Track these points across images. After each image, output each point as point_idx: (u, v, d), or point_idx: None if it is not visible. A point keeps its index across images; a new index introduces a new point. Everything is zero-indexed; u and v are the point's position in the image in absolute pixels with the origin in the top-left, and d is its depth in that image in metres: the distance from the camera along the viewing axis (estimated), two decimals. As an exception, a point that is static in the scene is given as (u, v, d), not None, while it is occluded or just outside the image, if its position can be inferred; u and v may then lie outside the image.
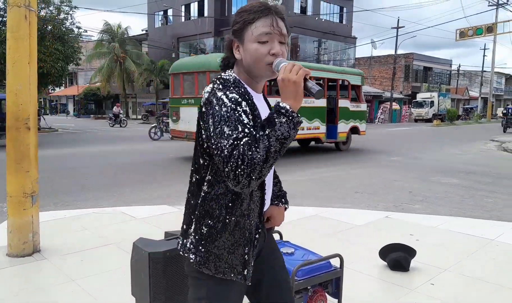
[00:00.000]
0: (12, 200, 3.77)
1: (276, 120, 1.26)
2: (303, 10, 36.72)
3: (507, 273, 3.64)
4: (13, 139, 3.74)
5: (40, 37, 17.26)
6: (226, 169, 1.23)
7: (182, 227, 1.52)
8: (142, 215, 5.32)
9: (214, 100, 1.33)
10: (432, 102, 42.12)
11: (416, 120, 41.48)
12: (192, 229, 1.46)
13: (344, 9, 40.05)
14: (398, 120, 40.80)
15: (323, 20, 37.70)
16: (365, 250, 4.13)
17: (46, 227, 4.45)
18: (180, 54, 39.88)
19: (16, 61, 3.69)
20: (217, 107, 1.31)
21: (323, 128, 13.17)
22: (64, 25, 23.35)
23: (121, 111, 30.62)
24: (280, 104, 1.28)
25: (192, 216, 1.46)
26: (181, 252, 1.47)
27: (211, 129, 1.31)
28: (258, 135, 1.25)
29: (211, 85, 1.41)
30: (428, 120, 40.65)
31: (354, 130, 14.57)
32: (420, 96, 44.01)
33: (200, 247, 1.42)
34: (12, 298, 3.04)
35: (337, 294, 2.74)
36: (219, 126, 1.28)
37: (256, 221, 1.51)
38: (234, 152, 1.22)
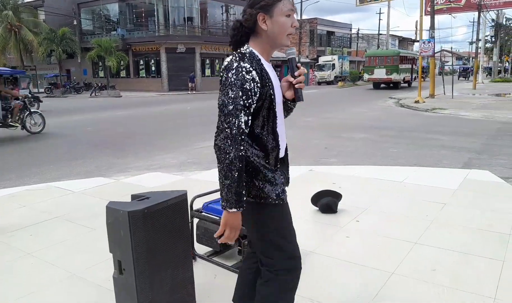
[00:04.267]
0: None
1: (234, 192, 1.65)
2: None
3: (415, 206, 4.39)
4: None
5: None
6: (224, 123, 1.64)
7: None
8: (79, 189, 5.31)
9: (229, 66, 1.69)
10: (333, 65, 44.03)
11: (319, 83, 42.84)
12: None
13: (250, -27, 40.02)
14: (306, 83, 42.38)
15: (230, -15, 37.52)
16: (298, 199, 4.62)
17: (-19, 208, 4.33)
18: (82, 20, 37.35)
19: None
20: (229, 74, 1.66)
21: (408, 77, 33.61)
22: None
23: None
24: (232, 207, 1.67)
25: None
26: None
27: (220, 89, 1.68)
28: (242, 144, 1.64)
29: (230, 57, 1.73)
30: (330, 82, 42.67)
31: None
32: (321, 60, 45.75)
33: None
34: (-29, 275, 3.06)
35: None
36: (227, 87, 1.65)
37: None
38: (233, 119, 1.63)
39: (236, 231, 1.73)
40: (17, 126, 11.24)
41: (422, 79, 28.97)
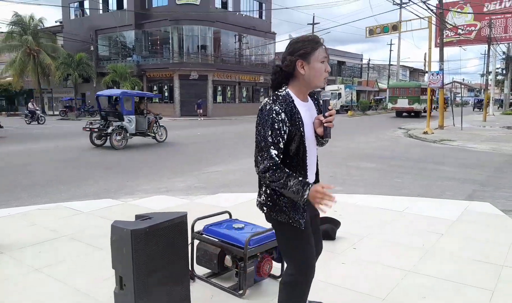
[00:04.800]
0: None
1: (297, 186, 1.97)
2: (224, 5, 37.08)
3: (412, 236, 4.48)
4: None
5: None
6: (258, 157, 1.99)
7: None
8: (88, 209, 5.50)
9: (264, 107, 2.01)
10: (339, 94, 44.49)
11: None
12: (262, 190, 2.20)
13: (263, 6, 41.01)
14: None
15: (243, 15, 38.41)
16: (299, 226, 4.76)
17: (-6, 225, 4.51)
18: (99, 46, 38.42)
19: None
20: (263, 114, 2.00)
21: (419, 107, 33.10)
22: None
23: (37, 108, 28.97)
24: (305, 193, 1.97)
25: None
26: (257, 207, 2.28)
27: (256, 126, 2.01)
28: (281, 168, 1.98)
29: (266, 99, 2.05)
30: (336, 112, 42.67)
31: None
32: (328, 89, 46.07)
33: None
34: (-18, 288, 3.22)
35: (280, 259, 3.31)
36: (260, 126, 1.99)
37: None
38: (265, 154, 1.97)
39: (320, 196, 1.96)
40: (152, 136, 14.41)
41: (435, 109, 29.45)
